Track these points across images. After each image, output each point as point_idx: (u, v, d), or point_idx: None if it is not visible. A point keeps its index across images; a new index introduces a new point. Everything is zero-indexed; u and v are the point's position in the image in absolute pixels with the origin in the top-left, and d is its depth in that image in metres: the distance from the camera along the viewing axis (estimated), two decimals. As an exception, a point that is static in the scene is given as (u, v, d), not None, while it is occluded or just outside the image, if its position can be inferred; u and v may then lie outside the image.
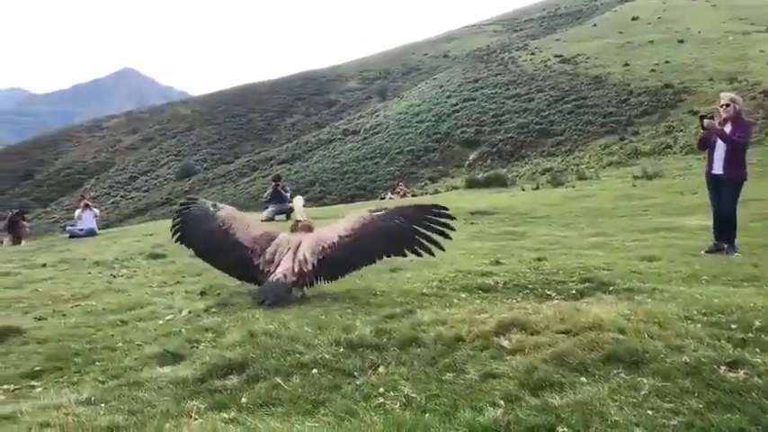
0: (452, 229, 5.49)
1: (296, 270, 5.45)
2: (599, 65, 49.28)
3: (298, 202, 6.69)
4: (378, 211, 5.64)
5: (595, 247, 8.05)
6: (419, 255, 5.47)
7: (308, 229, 5.96)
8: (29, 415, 3.14)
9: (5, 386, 3.72)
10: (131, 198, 57.16)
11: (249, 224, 5.93)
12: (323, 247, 5.51)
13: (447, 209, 5.59)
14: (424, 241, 5.43)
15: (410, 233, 5.44)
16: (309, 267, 5.46)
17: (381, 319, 4.49)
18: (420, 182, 37.16)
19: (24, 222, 18.22)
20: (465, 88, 53.14)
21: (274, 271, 5.49)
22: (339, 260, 5.50)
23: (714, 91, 33.66)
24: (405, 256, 5.54)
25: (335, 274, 5.58)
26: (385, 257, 5.57)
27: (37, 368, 3.98)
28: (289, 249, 5.59)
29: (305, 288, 5.58)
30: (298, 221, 6.18)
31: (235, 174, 54.52)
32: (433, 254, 5.45)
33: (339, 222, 5.75)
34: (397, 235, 5.46)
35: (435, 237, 5.43)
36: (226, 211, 5.99)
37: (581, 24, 69.84)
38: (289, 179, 36.33)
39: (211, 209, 6.01)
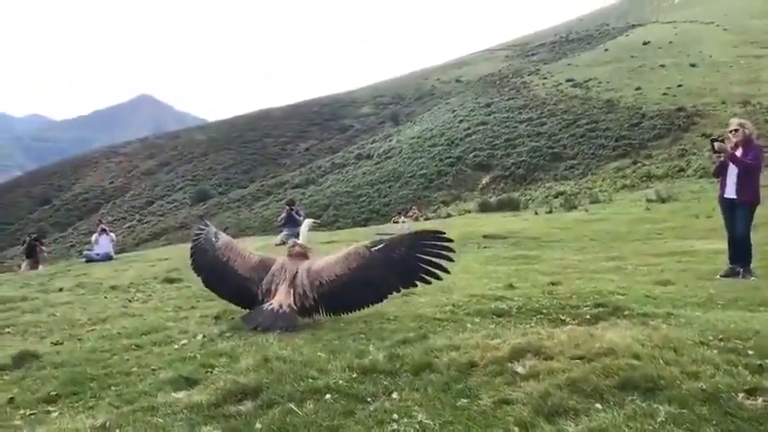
0: (453, 251, 5.41)
1: (296, 302, 5.42)
2: (611, 88, 49.46)
3: (305, 226, 6.68)
4: (375, 245, 5.46)
5: (609, 271, 8.00)
6: (428, 282, 5.41)
7: (304, 255, 5.83)
8: (45, 440, 3.16)
9: (22, 411, 3.75)
10: (147, 222, 57.71)
11: (245, 253, 5.88)
12: (320, 283, 5.44)
13: (444, 232, 5.54)
14: (429, 267, 5.35)
15: (414, 262, 5.35)
16: (311, 302, 5.44)
17: (394, 345, 4.48)
18: (433, 205, 37.21)
19: (42, 247, 18.46)
20: (477, 113, 53.48)
21: (270, 300, 5.47)
22: (340, 297, 5.42)
23: (727, 114, 33.60)
24: (415, 286, 5.48)
25: (338, 310, 5.49)
26: (395, 292, 5.45)
27: (53, 393, 4.01)
28: (284, 279, 5.55)
29: (305, 318, 5.51)
30: (294, 246, 6.16)
31: (249, 198, 54.99)
32: (440, 278, 5.40)
33: (336, 257, 5.57)
34: (402, 266, 5.36)
35: (439, 261, 5.34)
36: (223, 240, 5.95)
37: (592, 49, 70.21)
38: (303, 203, 36.52)
39: (213, 239, 5.98)
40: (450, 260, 5.39)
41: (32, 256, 17.46)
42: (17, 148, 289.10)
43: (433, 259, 5.36)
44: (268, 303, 5.44)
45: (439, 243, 5.44)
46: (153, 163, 79.22)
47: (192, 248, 6.28)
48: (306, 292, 5.46)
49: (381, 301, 5.46)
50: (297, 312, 5.42)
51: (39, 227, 62.29)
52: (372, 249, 5.42)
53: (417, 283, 5.42)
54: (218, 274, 5.91)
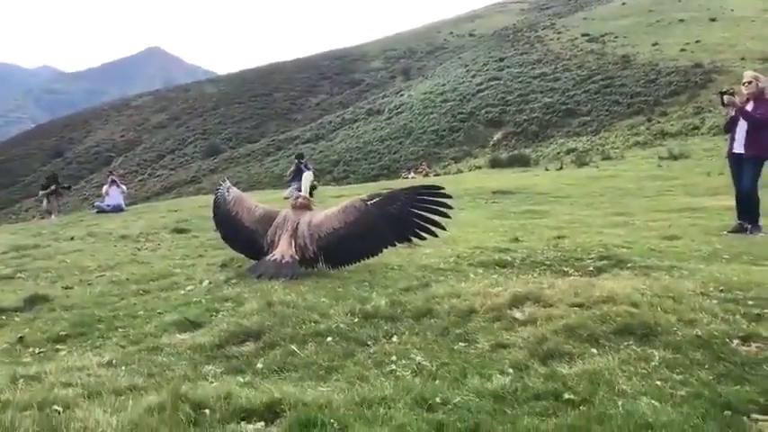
0: (450, 207, 5.39)
1: (297, 254, 5.49)
2: (627, 44, 48.30)
3: (306, 178, 6.71)
4: (371, 198, 5.48)
5: (616, 225, 7.98)
6: (422, 238, 5.43)
7: (306, 207, 5.90)
8: (52, 375, 3.26)
9: (32, 349, 3.87)
10: (158, 176, 57.96)
11: (252, 206, 5.99)
12: (320, 236, 5.49)
13: (442, 188, 5.51)
14: (424, 224, 5.35)
15: (409, 217, 5.36)
16: (311, 254, 5.51)
17: (397, 292, 4.54)
18: (444, 162, 37.01)
19: (61, 188, 17.83)
20: (490, 67, 52.57)
21: (273, 251, 5.55)
22: (338, 250, 5.48)
23: (749, 70, 32.76)
24: (410, 241, 5.50)
25: (337, 262, 5.54)
26: (390, 246, 5.47)
27: (62, 333, 4.13)
28: (286, 231, 5.62)
29: (307, 268, 5.58)
30: (297, 198, 6.21)
31: (260, 153, 54.90)
32: (436, 235, 5.40)
33: (334, 210, 5.62)
34: (397, 221, 5.38)
35: (435, 218, 5.34)
36: (233, 194, 6.08)
37: (609, 2, 68.31)
38: (313, 159, 36.44)
39: (226, 194, 6.12)
40: (447, 216, 5.37)
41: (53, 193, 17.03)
42: (29, 100, 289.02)
43: (430, 215, 5.36)
44: (271, 254, 5.54)
45: (436, 199, 5.41)
46: (164, 116, 79.05)
47: (214, 204, 6.43)
48: (306, 243, 5.52)
49: (377, 254, 5.49)
50: (298, 262, 5.49)
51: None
52: (368, 203, 5.44)
53: (412, 238, 5.43)
54: (229, 228, 6.07)
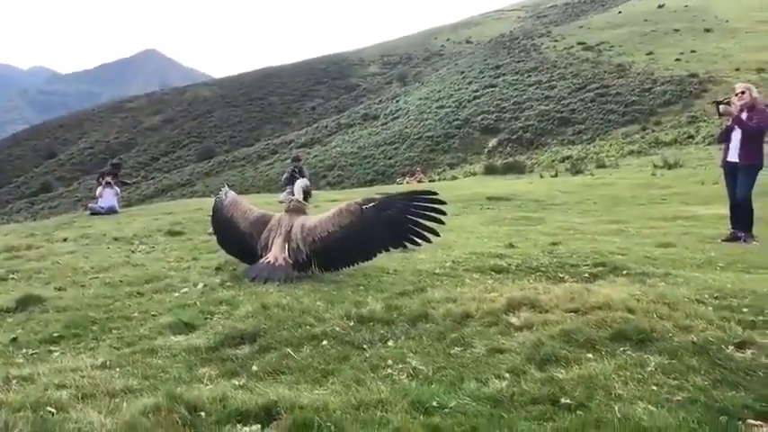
0: (444, 213, 5.38)
1: (290, 257, 5.47)
2: (623, 53, 48.64)
3: (298, 185, 6.69)
4: (367, 202, 5.44)
5: (611, 233, 8.00)
6: (417, 244, 5.40)
7: (300, 210, 5.88)
8: (46, 377, 3.24)
9: (25, 350, 3.84)
10: (152, 178, 57.79)
11: (247, 210, 5.98)
12: (314, 239, 5.46)
13: (437, 193, 5.51)
14: (419, 230, 5.33)
15: (405, 222, 5.33)
16: (304, 258, 5.48)
17: (393, 296, 4.54)
18: (439, 168, 37.10)
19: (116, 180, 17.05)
20: (486, 75, 52.80)
21: (267, 254, 5.54)
22: (332, 254, 5.45)
23: (741, 81, 33.01)
24: (404, 247, 5.47)
25: (330, 266, 5.51)
26: (384, 252, 5.45)
27: (55, 334, 4.10)
28: (279, 234, 5.60)
29: (300, 272, 5.53)
30: (291, 201, 6.19)
31: (254, 157, 54.85)
32: (430, 241, 5.37)
33: (329, 214, 5.60)
34: (392, 226, 5.34)
35: (429, 224, 5.31)
36: (230, 198, 6.09)
37: (606, 11, 68.75)
38: (308, 163, 36.39)
39: (224, 197, 6.14)
40: (442, 223, 5.36)
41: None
42: (23, 101, 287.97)
43: (424, 222, 5.33)
44: (264, 258, 5.53)
45: (431, 204, 5.38)
46: (158, 119, 78.94)
47: (213, 209, 6.44)
48: (300, 246, 5.50)
49: (370, 258, 5.48)
50: (291, 266, 5.47)
51: (45, 180, 62.64)
52: (364, 207, 5.41)
53: (407, 243, 5.40)
54: (226, 231, 6.08)
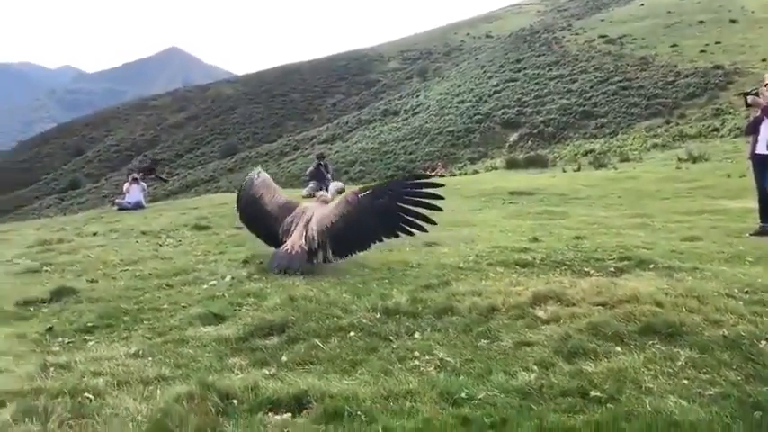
0: (440, 197, 5.28)
1: (305, 245, 5.54)
2: (645, 45, 47.84)
3: (332, 187, 6.79)
4: (365, 191, 5.47)
5: (636, 227, 7.91)
6: (410, 234, 5.37)
7: (325, 202, 6.00)
8: (82, 364, 3.32)
9: (61, 339, 3.94)
10: (177, 175, 58.42)
11: (276, 193, 6.09)
12: (322, 229, 5.54)
13: (431, 176, 5.46)
14: (411, 218, 5.28)
15: (395, 211, 5.30)
16: (315, 247, 5.55)
17: (418, 289, 4.56)
18: (460, 163, 36.91)
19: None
20: (507, 69, 52.36)
21: (286, 240, 5.65)
22: (339, 241, 5.50)
23: (768, 73, 32.31)
24: (397, 236, 5.42)
25: (340, 253, 5.55)
26: (378, 242, 5.44)
27: (89, 324, 4.19)
28: (302, 221, 5.70)
29: (318, 261, 5.59)
30: (320, 196, 6.27)
31: (277, 153, 55.15)
32: (425, 230, 5.34)
33: (334, 203, 5.70)
34: (384, 215, 5.33)
35: (424, 211, 5.27)
36: (261, 179, 6.17)
37: (627, 3, 67.71)
38: (329, 159, 36.52)
39: (255, 177, 6.23)
40: (438, 209, 5.27)
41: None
42: (51, 100, 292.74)
43: (417, 209, 5.26)
44: (284, 245, 5.64)
45: (424, 190, 5.30)
46: (182, 116, 79.67)
47: (239, 187, 6.53)
48: (314, 235, 5.58)
49: (366, 247, 5.50)
50: (306, 254, 5.54)
51: (73, 177, 63.71)
52: (360, 196, 5.45)
53: (401, 234, 5.36)
54: (251, 211, 6.18)
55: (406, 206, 5.31)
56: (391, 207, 5.31)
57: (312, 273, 5.38)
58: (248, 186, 6.22)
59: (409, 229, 5.34)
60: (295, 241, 5.58)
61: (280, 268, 5.37)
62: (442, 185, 5.39)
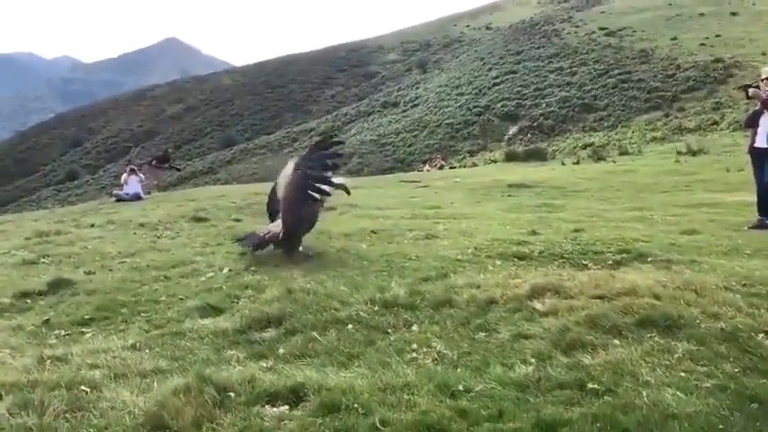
0: (340, 156, 5.64)
1: (276, 231, 5.71)
2: (645, 38, 47.69)
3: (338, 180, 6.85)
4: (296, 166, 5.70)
5: (635, 220, 7.91)
6: (325, 193, 5.64)
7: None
8: (79, 357, 3.32)
9: (57, 331, 3.94)
10: (175, 166, 58.23)
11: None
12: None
13: (333, 136, 5.65)
14: (317, 184, 5.52)
15: (303, 179, 5.52)
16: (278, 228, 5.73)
17: (416, 282, 4.56)
18: (459, 155, 36.89)
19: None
20: (506, 61, 52.20)
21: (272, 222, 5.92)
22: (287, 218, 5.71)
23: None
24: (317, 200, 5.66)
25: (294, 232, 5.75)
26: (305, 209, 5.64)
27: (86, 316, 4.19)
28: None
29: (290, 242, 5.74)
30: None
31: (275, 144, 55.01)
32: (329, 194, 5.68)
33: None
34: (297, 184, 5.55)
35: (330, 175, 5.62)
36: (288, 167, 6.20)
37: (629, -4, 67.39)
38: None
39: (290, 162, 6.22)
40: (337, 167, 5.66)
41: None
42: (48, 90, 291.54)
43: (325, 174, 5.59)
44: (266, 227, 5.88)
45: (328, 153, 5.66)
46: (181, 107, 79.41)
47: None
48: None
49: (300, 222, 5.67)
50: (278, 236, 5.68)
51: (71, 168, 63.60)
52: (295, 171, 5.64)
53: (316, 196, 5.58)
54: (272, 194, 6.31)
55: (310, 172, 5.55)
56: (300, 175, 5.56)
57: (310, 265, 5.38)
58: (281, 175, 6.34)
59: (314, 195, 5.57)
60: (272, 226, 5.81)
61: (249, 244, 5.74)
62: (342, 142, 5.84)
